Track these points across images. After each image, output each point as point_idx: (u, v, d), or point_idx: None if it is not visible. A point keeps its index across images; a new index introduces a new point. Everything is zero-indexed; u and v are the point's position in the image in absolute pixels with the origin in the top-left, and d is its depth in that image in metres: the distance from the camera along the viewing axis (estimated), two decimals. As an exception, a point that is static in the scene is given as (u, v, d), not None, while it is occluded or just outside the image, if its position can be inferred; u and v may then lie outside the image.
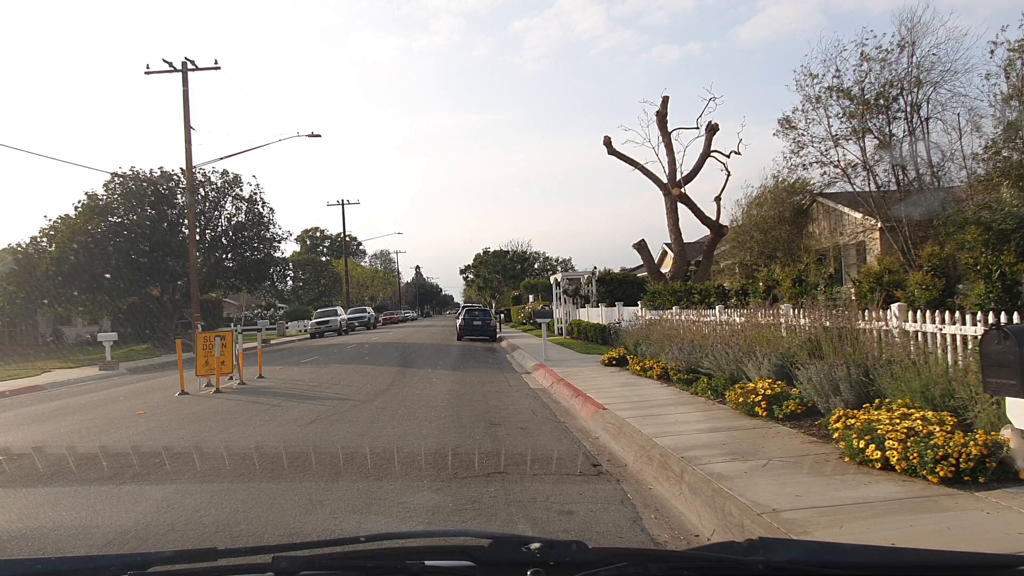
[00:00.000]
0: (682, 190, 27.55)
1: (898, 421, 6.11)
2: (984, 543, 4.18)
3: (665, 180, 28.06)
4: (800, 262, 18.55)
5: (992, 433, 5.52)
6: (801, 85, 22.21)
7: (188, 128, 29.73)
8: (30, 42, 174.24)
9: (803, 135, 22.54)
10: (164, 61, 29.55)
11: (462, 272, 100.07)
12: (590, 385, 12.69)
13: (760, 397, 8.64)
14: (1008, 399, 5.27)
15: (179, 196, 35.43)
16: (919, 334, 8.51)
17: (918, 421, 6.04)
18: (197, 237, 33.01)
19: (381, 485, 6.53)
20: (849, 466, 6.02)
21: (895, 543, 4.06)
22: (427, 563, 1.82)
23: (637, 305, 22.63)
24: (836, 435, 6.70)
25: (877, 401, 7.21)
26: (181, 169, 33.44)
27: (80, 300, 34.26)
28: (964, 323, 7.76)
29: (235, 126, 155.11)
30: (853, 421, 6.52)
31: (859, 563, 1.88)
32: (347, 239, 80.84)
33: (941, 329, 8.12)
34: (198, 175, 34.64)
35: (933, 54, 20.08)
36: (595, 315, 28.19)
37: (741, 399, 8.93)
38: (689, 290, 19.69)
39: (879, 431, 5.96)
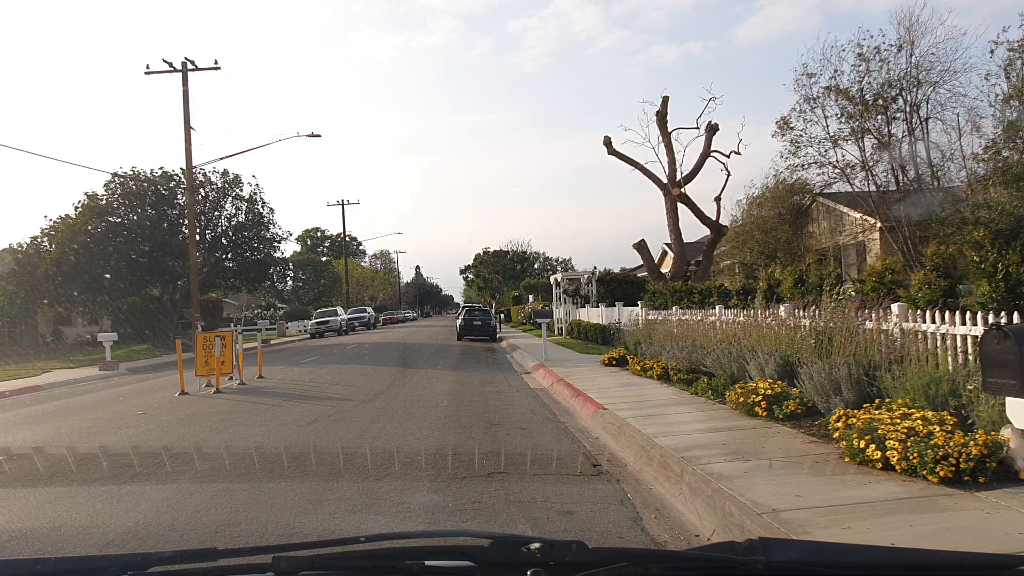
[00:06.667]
0: (682, 190, 27.55)
1: (899, 421, 6.11)
2: (984, 543, 4.18)
3: (665, 180, 28.06)
4: (800, 262, 18.56)
5: (992, 433, 5.52)
6: (799, 85, 22.21)
7: (188, 128, 29.76)
8: (30, 42, 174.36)
9: (801, 136, 22.53)
10: (164, 61, 29.61)
11: (462, 272, 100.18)
12: (590, 385, 12.69)
13: (760, 397, 8.64)
14: (1008, 399, 5.27)
15: (179, 196, 35.42)
16: (920, 334, 8.51)
17: (918, 421, 6.04)
18: (197, 237, 33.01)
19: (381, 485, 6.53)
20: (849, 466, 6.02)
21: (895, 543, 4.05)
22: (427, 563, 1.82)
23: (637, 305, 22.62)
24: (836, 435, 6.70)
25: (878, 401, 7.21)
26: (181, 169, 33.45)
27: (80, 300, 34.25)
28: (965, 323, 7.76)
29: (235, 126, 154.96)
30: (854, 421, 6.52)
31: (859, 563, 1.88)
32: (347, 239, 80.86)
33: (940, 329, 8.12)
34: (198, 175, 34.64)
35: (932, 54, 20.07)
36: (595, 315, 28.19)
37: (741, 399, 8.93)
38: (690, 290, 19.68)
39: (879, 431, 5.96)
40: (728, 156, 28.16)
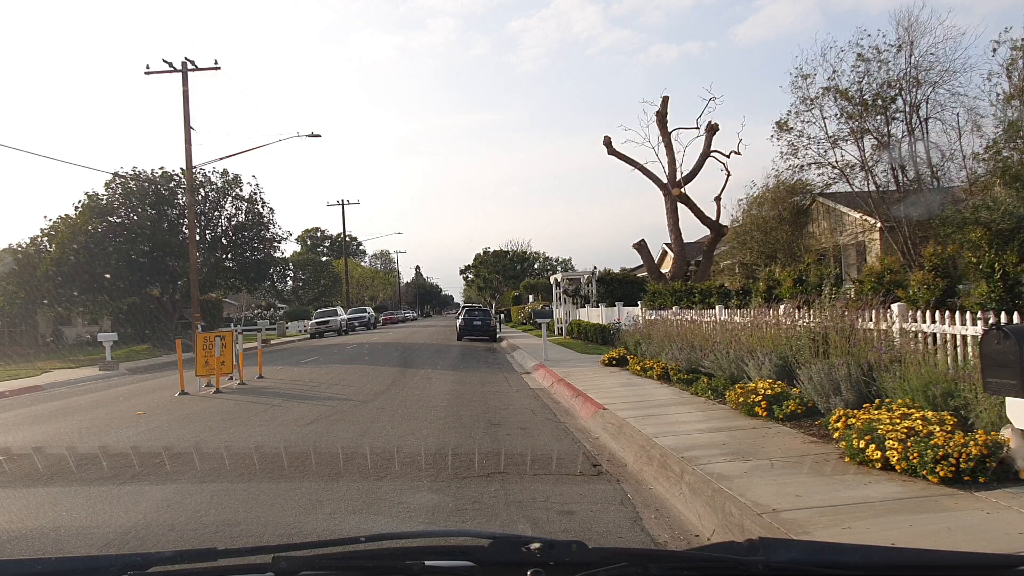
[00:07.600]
0: (682, 190, 27.53)
1: (898, 421, 6.11)
2: (984, 543, 4.18)
3: (665, 180, 28.04)
4: (800, 262, 18.54)
5: (992, 433, 5.52)
6: (795, 87, 22.18)
7: (188, 128, 29.76)
8: (31, 42, 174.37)
9: (800, 137, 22.50)
10: (164, 61, 29.63)
11: (462, 272, 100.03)
12: (590, 385, 12.69)
13: (760, 397, 8.64)
14: (1008, 399, 5.27)
15: (179, 196, 35.43)
16: (920, 334, 8.51)
17: (918, 421, 6.04)
18: (197, 237, 33.02)
19: (381, 485, 6.53)
20: (849, 466, 6.02)
21: (895, 543, 4.06)
22: (427, 563, 1.82)
23: (637, 305, 22.61)
24: (836, 435, 6.70)
25: (877, 401, 7.21)
26: (181, 169, 33.47)
27: (80, 300, 34.26)
28: (964, 323, 7.76)
29: (235, 126, 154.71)
30: (853, 421, 6.52)
31: (859, 563, 1.88)
32: (347, 239, 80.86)
33: (940, 328, 8.12)
34: (198, 175, 34.65)
35: (931, 54, 20.06)
36: (595, 315, 28.19)
37: (741, 399, 8.93)
38: (690, 290, 19.67)
39: (879, 431, 5.96)
40: (728, 156, 28.15)
